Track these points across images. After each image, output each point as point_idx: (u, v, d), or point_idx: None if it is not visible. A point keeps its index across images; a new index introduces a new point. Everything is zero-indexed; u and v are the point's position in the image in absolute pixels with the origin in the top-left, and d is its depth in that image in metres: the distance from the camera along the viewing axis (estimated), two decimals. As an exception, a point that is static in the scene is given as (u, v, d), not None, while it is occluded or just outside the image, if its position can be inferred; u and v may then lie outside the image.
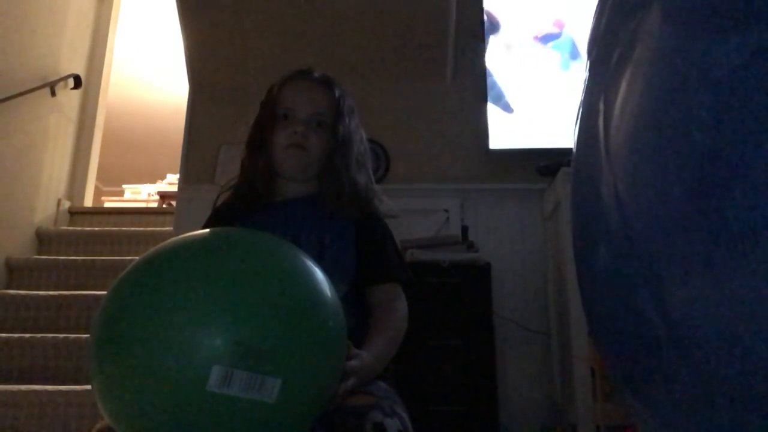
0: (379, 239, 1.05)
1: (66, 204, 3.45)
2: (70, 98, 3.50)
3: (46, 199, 3.28)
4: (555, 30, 2.70)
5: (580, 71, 2.63)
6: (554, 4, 2.76)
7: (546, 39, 2.68)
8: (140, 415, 0.62)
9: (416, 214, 2.46)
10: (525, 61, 2.67)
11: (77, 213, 3.50)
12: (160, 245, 0.72)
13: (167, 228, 3.06)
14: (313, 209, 1.03)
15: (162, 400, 0.61)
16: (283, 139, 1.02)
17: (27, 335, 2.33)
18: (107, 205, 5.99)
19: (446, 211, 2.51)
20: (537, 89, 2.62)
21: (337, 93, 1.07)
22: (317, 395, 0.68)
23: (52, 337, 2.32)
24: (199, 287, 0.64)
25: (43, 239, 3.15)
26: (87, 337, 2.31)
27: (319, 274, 0.74)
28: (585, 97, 0.72)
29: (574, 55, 2.67)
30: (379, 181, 2.66)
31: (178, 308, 0.62)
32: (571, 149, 0.79)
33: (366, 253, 1.01)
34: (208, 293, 0.63)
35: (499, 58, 2.66)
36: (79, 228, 3.28)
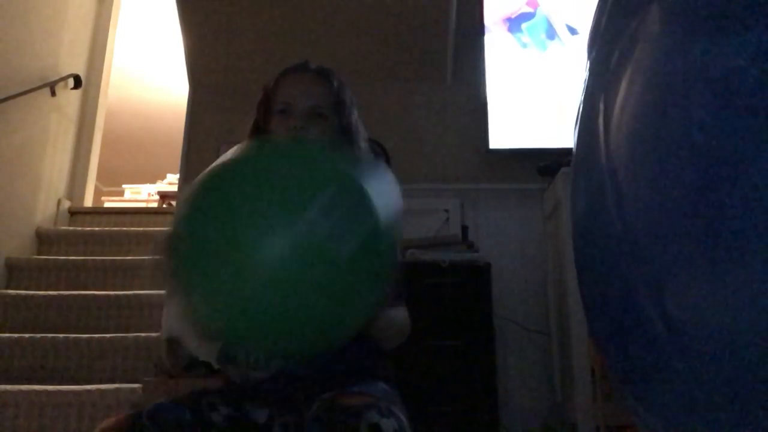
0: None
1: (66, 204, 3.46)
2: (70, 98, 3.50)
3: (46, 199, 3.28)
4: (529, 9, 2.63)
5: (559, 51, 2.58)
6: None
7: (519, 20, 2.60)
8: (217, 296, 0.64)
9: (416, 214, 2.46)
10: (498, 45, 2.59)
11: (77, 213, 3.50)
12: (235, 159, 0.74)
13: (167, 228, 3.05)
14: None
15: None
16: (281, 133, 0.99)
17: (27, 335, 2.33)
18: (107, 205, 5.99)
19: (446, 211, 2.51)
20: (516, 75, 2.57)
21: (335, 84, 1.03)
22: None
23: (52, 337, 2.32)
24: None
25: (43, 239, 3.15)
26: (87, 337, 2.32)
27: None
28: (585, 97, 0.72)
29: (550, 34, 2.59)
30: (379, 181, 2.67)
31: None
32: (571, 149, 0.79)
33: None
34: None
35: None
36: (79, 228, 3.27)
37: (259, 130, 1.03)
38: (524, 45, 2.60)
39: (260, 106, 1.05)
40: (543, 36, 2.60)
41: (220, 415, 0.85)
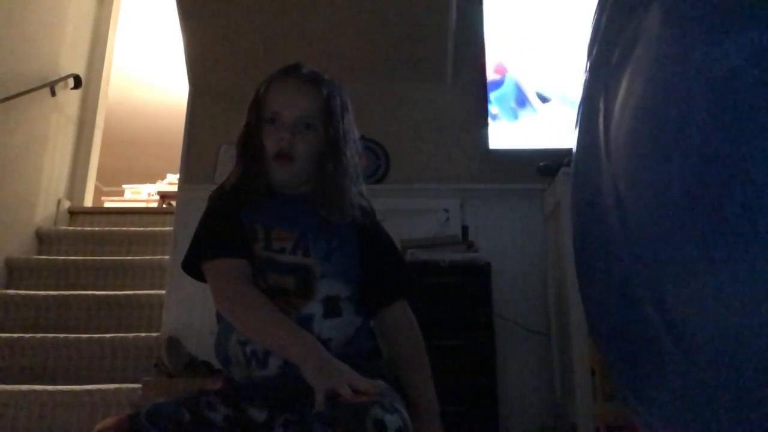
0: (384, 255, 1.04)
1: (66, 204, 3.46)
2: (70, 98, 3.50)
3: (46, 199, 3.28)
4: (496, 77, 2.53)
5: (529, 119, 2.46)
6: (494, 47, 2.56)
7: (487, 89, 2.51)
8: None
9: (416, 214, 2.46)
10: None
11: (77, 213, 3.50)
12: None
13: (167, 228, 3.06)
14: (311, 207, 1.00)
15: None
16: (270, 146, 0.97)
17: (27, 335, 2.33)
18: (107, 205, 5.99)
19: (446, 211, 2.50)
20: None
21: (325, 91, 1.00)
22: None
23: (52, 337, 2.32)
24: None
25: (43, 239, 3.15)
26: (87, 337, 2.32)
27: None
28: (585, 97, 0.72)
29: (520, 101, 2.49)
30: (379, 181, 2.67)
31: None
32: (571, 149, 0.79)
33: (372, 270, 1.01)
34: None
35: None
36: (79, 228, 3.28)
37: (250, 134, 1.02)
38: (493, 117, 2.50)
39: (251, 111, 1.03)
40: (513, 104, 2.50)
41: (219, 414, 0.85)
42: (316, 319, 0.91)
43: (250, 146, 1.01)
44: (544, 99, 2.49)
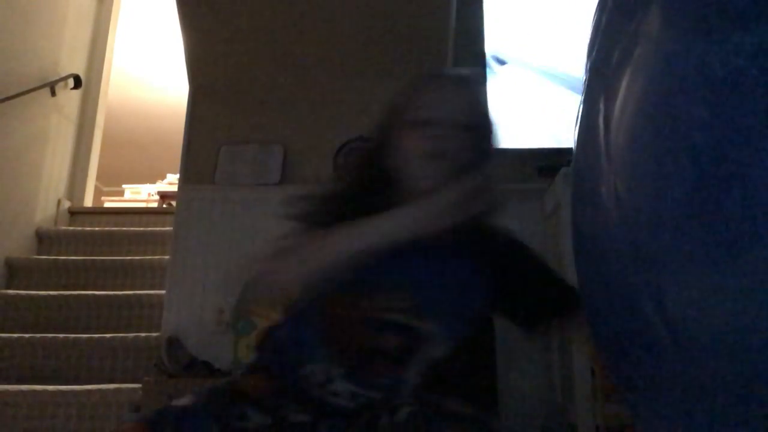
0: (537, 262, 1.01)
1: (66, 204, 3.46)
2: (70, 98, 3.50)
3: (46, 199, 3.29)
4: None
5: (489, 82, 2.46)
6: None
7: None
8: None
9: (416, 214, 2.46)
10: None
11: (77, 213, 3.50)
12: None
13: (167, 228, 3.06)
14: (432, 254, 0.89)
15: None
16: (417, 146, 0.87)
17: (27, 335, 2.33)
18: (107, 205, 5.99)
19: (446, 211, 2.50)
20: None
21: (481, 95, 0.93)
22: None
23: (52, 337, 2.32)
24: None
25: (43, 239, 3.15)
26: (87, 337, 2.32)
27: None
28: (585, 97, 0.72)
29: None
30: (379, 181, 2.67)
31: None
32: (571, 149, 0.79)
33: (532, 288, 0.98)
34: None
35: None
36: (79, 228, 3.28)
37: (384, 145, 0.92)
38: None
39: (392, 111, 0.94)
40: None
41: (252, 423, 0.78)
42: (404, 389, 0.89)
43: (384, 149, 0.92)
44: (501, 62, 2.51)
